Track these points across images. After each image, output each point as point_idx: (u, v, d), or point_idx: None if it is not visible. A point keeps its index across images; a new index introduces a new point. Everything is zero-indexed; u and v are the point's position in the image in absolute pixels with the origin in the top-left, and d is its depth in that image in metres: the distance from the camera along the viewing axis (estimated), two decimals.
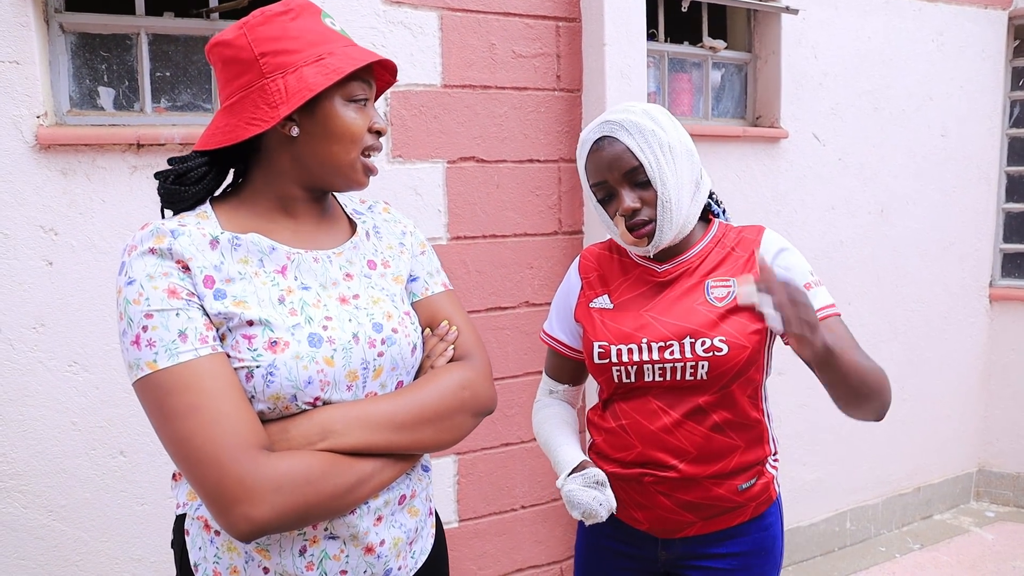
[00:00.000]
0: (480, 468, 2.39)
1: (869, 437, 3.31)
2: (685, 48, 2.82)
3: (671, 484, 1.29)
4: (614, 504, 1.22)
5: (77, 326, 1.88)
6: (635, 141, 1.24)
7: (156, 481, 1.98)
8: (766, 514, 1.36)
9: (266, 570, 0.97)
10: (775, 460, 1.40)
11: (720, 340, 1.24)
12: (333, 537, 0.98)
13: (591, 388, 1.53)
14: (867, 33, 3.07)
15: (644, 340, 1.28)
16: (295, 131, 0.99)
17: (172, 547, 1.07)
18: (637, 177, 1.25)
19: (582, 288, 1.42)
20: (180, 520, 1.04)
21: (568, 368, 1.49)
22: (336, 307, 1.00)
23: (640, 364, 1.29)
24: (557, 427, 1.42)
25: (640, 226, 1.26)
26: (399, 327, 1.04)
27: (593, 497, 1.20)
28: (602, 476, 1.23)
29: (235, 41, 0.97)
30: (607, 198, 1.29)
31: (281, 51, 0.96)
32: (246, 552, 0.97)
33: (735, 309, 1.27)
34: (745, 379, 1.29)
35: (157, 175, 1.02)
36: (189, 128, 1.96)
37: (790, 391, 3.07)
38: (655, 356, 1.27)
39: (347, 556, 0.99)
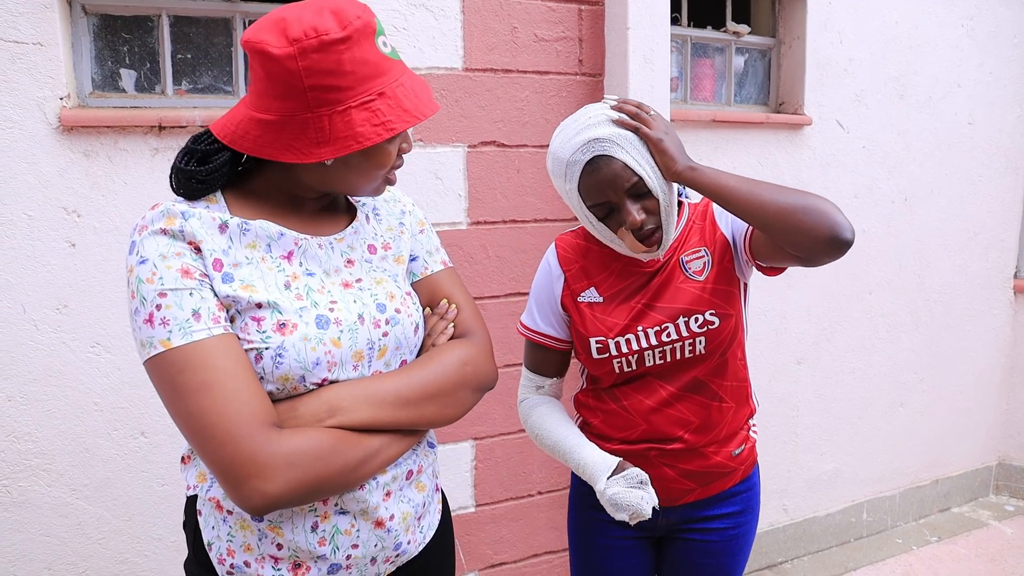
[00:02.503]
0: (497, 453, 2.40)
1: (887, 428, 3.29)
2: (708, 32, 2.78)
3: (676, 455, 1.37)
4: (656, 500, 1.24)
5: (100, 307, 1.89)
6: (629, 155, 1.23)
7: (176, 462, 2.00)
8: (752, 475, 1.48)
9: (279, 546, 0.98)
10: (754, 424, 1.49)
11: (711, 314, 1.31)
12: (344, 512, 1.00)
13: (573, 369, 1.53)
14: (894, 18, 3.01)
15: (640, 328, 1.33)
16: (329, 162, 0.97)
17: (184, 528, 1.08)
18: (639, 190, 1.25)
19: (566, 281, 1.42)
20: (191, 501, 1.05)
21: (554, 361, 1.48)
22: (340, 291, 1.02)
23: (640, 352, 1.34)
24: (563, 427, 1.41)
25: (650, 235, 1.28)
26: (402, 307, 1.06)
27: (640, 497, 1.22)
28: (644, 475, 1.25)
29: (285, 62, 0.88)
30: (608, 214, 1.28)
31: (332, 87, 0.90)
32: (259, 530, 0.98)
33: (715, 280, 1.33)
34: (736, 343, 1.37)
35: (180, 172, 0.97)
36: (210, 110, 1.96)
37: (807, 381, 3.05)
38: (653, 341, 1.33)
39: (358, 531, 1.01)
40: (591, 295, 1.39)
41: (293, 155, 0.93)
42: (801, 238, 1.15)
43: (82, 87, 1.91)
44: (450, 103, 2.21)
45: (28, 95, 1.78)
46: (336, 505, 0.99)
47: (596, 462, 1.31)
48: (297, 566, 0.99)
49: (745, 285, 1.39)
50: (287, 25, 0.89)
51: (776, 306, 2.91)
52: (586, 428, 1.48)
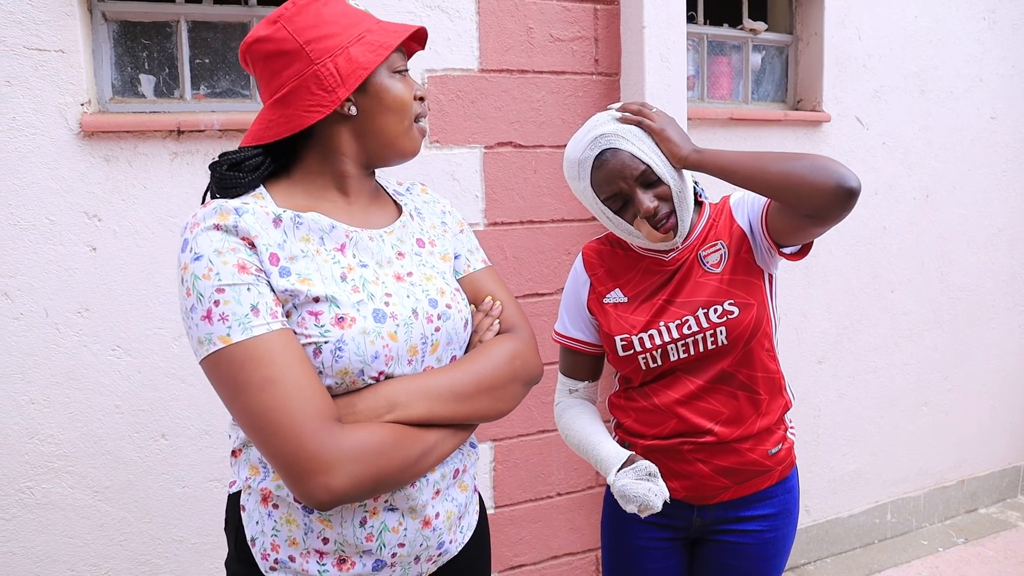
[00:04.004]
0: (517, 455, 2.39)
1: (911, 427, 3.24)
2: (725, 30, 2.76)
3: (709, 450, 1.37)
4: (667, 493, 1.24)
5: (120, 311, 1.91)
6: (635, 146, 1.30)
7: (196, 464, 2.01)
8: (789, 477, 1.47)
9: (325, 540, 0.99)
10: (792, 426, 1.49)
11: (730, 304, 1.33)
12: (393, 509, 1.01)
13: (607, 374, 1.56)
14: (914, 12, 2.98)
15: (662, 323, 1.36)
16: (353, 110, 1.02)
17: (226, 528, 1.08)
18: (648, 178, 1.30)
19: (591, 285, 1.47)
20: (234, 499, 1.06)
21: (586, 365, 1.52)
22: (393, 284, 1.03)
23: (663, 346, 1.36)
24: (589, 425, 1.45)
25: (665, 220, 1.31)
26: (452, 303, 1.08)
27: (648, 489, 1.23)
28: (653, 468, 1.26)
29: (275, 35, 0.99)
30: (623, 206, 1.33)
31: (324, 36, 0.98)
32: (305, 524, 0.99)
33: (731, 270, 1.35)
34: (761, 334, 1.36)
35: (212, 165, 1.02)
36: (228, 114, 1.97)
37: (829, 380, 3.02)
38: (675, 335, 1.35)
39: (405, 529, 1.02)
40: (616, 296, 1.43)
41: (317, 111, 0.98)
42: (809, 195, 1.18)
43: (102, 93, 1.93)
44: (466, 104, 2.21)
45: (50, 101, 1.80)
46: (386, 502, 1.00)
47: (610, 456, 1.34)
48: (342, 561, 1.00)
49: (771, 276, 1.39)
50: (267, 16, 1.01)
51: (797, 305, 2.88)
52: (620, 428, 1.51)
